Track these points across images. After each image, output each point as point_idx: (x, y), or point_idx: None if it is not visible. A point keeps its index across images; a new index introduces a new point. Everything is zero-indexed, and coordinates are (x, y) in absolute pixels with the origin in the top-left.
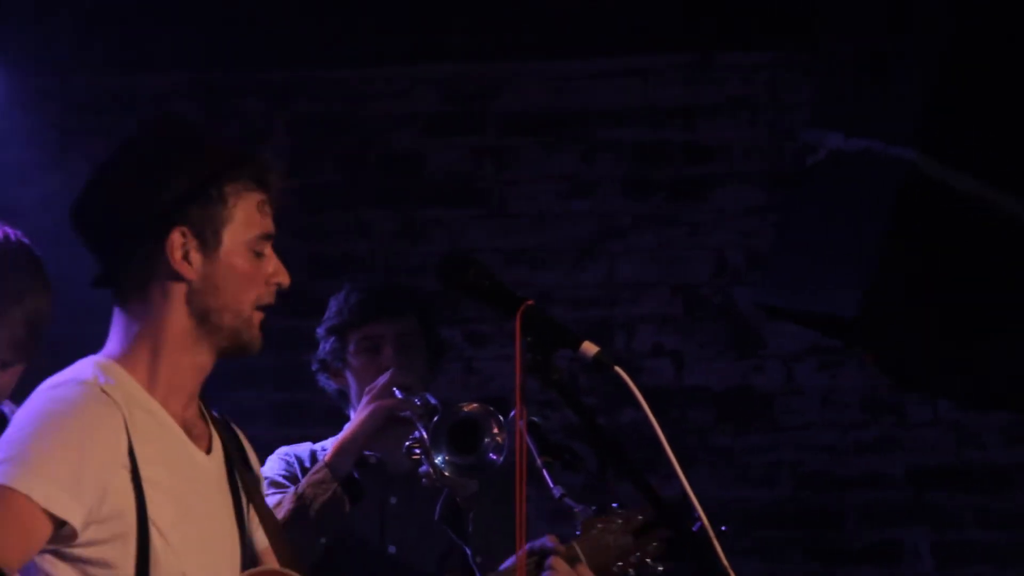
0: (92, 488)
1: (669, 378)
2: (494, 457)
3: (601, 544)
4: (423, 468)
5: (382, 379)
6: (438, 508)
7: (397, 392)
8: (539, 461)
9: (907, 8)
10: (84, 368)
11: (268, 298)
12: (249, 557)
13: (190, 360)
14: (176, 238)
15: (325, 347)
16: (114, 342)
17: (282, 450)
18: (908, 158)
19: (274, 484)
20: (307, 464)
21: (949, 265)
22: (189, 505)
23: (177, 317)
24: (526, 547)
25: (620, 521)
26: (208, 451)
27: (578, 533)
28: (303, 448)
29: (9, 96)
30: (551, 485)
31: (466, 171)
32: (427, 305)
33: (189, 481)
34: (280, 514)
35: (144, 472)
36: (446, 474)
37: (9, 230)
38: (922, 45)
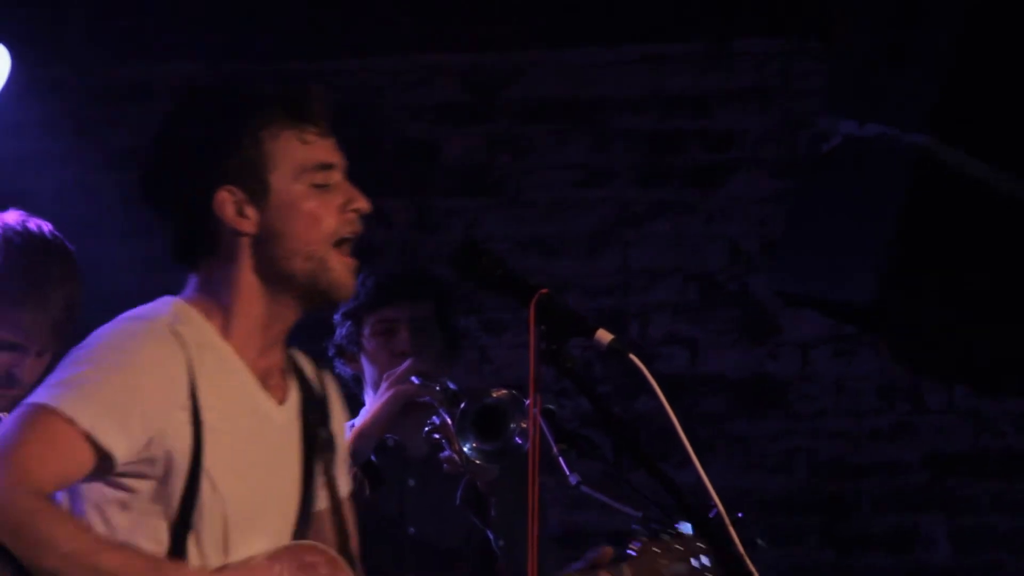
0: (142, 425)
1: (683, 366)
2: (520, 442)
3: (653, 569)
4: (445, 453)
5: (402, 366)
6: (459, 493)
7: (415, 379)
8: (555, 449)
9: None
10: (162, 306)
11: (347, 228)
12: (309, 517)
13: (269, 315)
14: (223, 196)
15: (341, 332)
16: (191, 289)
17: None
18: (923, 144)
19: None
20: None
21: (964, 250)
22: (249, 455)
23: (246, 276)
24: (575, 566)
25: (680, 548)
26: (282, 402)
27: (632, 554)
28: None
29: (24, 87)
30: (567, 473)
31: (481, 160)
32: (444, 291)
33: (253, 430)
34: None
35: (205, 416)
36: (474, 461)
37: (41, 222)
38: (937, 31)
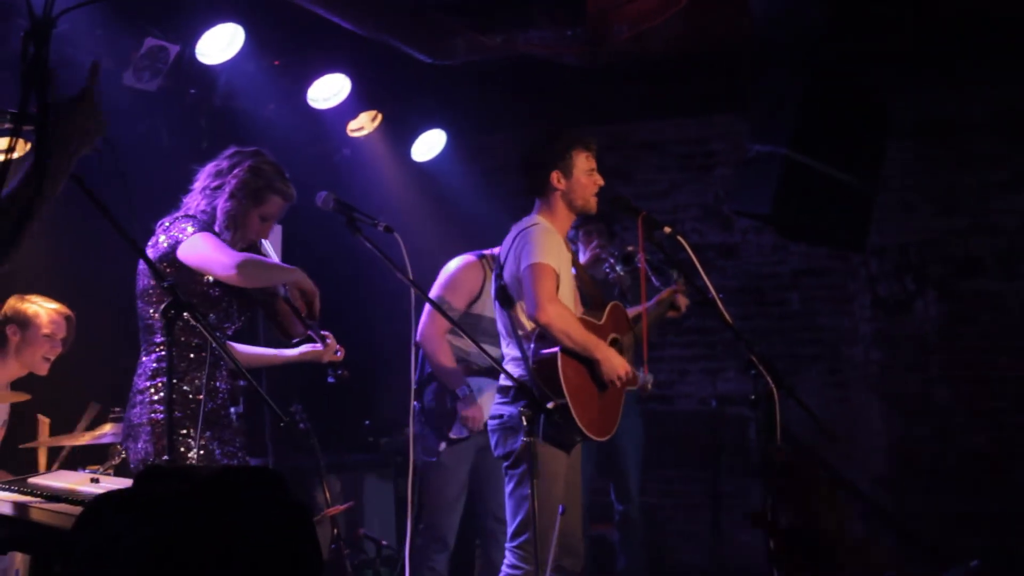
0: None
1: (698, 240)
2: (639, 266)
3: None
4: (611, 275)
5: (593, 243)
6: (616, 290)
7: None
8: (650, 272)
9: (781, 83)
10: (538, 219)
11: (597, 190)
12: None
13: (566, 219)
14: (554, 175)
15: (570, 233)
16: (537, 211)
17: None
18: (785, 152)
19: None
20: None
21: (806, 194)
22: (569, 286)
23: (559, 204)
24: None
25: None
26: (573, 263)
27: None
28: None
29: (452, 150)
30: (655, 281)
31: (622, 166)
32: (611, 216)
33: (568, 274)
34: None
35: (559, 269)
36: (621, 274)
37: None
38: (787, 104)
